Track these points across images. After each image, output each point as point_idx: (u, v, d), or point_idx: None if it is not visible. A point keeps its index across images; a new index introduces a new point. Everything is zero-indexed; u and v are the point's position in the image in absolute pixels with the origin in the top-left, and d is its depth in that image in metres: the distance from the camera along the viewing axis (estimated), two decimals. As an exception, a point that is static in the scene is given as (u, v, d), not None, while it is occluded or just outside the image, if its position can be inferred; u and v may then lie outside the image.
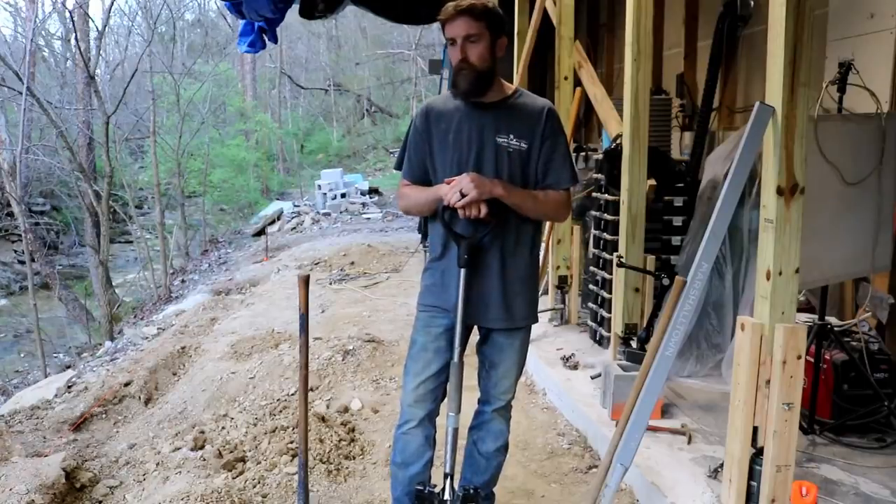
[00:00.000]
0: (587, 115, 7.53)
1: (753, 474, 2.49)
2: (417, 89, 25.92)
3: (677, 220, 4.61)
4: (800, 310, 3.35)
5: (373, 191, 16.91)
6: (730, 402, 2.55)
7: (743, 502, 2.52)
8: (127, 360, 6.44)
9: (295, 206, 16.81)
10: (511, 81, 2.51)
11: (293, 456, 3.53)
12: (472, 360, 2.54)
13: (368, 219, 14.36)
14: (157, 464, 3.74)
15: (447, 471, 2.30)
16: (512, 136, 2.37)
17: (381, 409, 4.26)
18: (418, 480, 2.44)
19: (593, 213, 4.93)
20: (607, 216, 4.59)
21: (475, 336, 2.56)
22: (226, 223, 18.42)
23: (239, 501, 3.16)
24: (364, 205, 15.66)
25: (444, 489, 2.30)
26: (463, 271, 2.33)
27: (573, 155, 5.60)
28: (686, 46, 5.91)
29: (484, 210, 2.26)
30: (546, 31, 5.87)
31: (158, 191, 14.35)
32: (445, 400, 2.44)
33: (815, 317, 3.35)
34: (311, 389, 4.49)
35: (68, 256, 16.89)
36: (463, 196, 2.25)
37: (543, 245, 5.41)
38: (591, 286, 4.96)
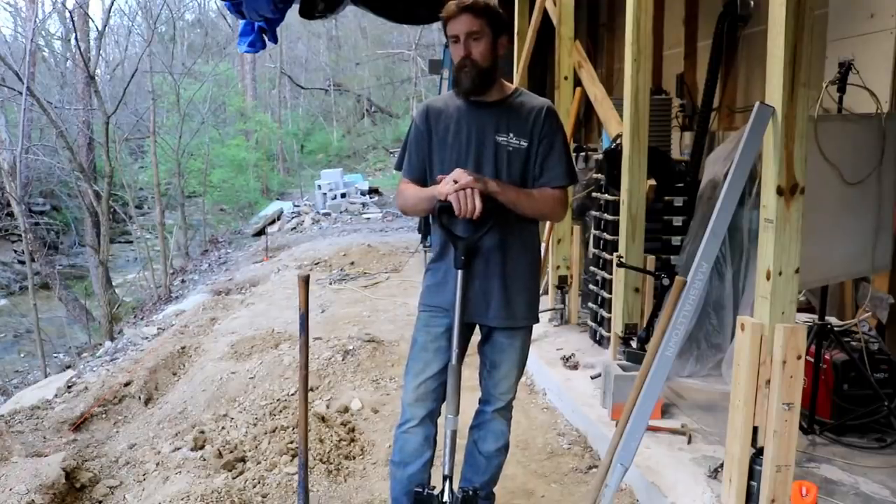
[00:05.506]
0: (587, 115, 7.53)
1: (753, 474, 2.49)
2: (417, 89, 25.92)
3: (677, 220, 4.61)
4: (800, 310, 3.34)
5: (373, 191, 16.92)
6: (730, 402, 2.55)
7: (743, 502, 2.52)
8: (127, 360, 6.44)
9: (295, 206, 16.82)
10: (511, 81, 2.50)
11: (293, 456, 3.52)
12: (473, 361, 2.54)
13: (368, 219, 14.37)
14: (157, 464, 3.74)
15: (446, 473, 2.30)
16: (512, 135, 2.37)
17: (381, 409, 4.26)
18: (416, 480, 2.44)
19: (593, 213, 4.93)
20: (607, 216, 4.59)
21: (477, 336, 2.56)
22: (226, 223, 18.42)
23: (239, 501, 3.16)
24: (364, 205, 15.67)
25: (443, 491, 2.30)
26: (460, 273, 2.31)
27: (573, 155, 5.61)
28: (686, 46, 5.91)
29: (479, 209, 2.21)
30: (546, 31, 5.87)
31: (158, 191, 14.36)
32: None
33: (815, 317, 3.35)
34: (311, 389, 4.49)
35: (68, 256, 16.88)
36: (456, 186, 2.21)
37: (543, 245, 5.41)
38: (591, 286, 4.96)
